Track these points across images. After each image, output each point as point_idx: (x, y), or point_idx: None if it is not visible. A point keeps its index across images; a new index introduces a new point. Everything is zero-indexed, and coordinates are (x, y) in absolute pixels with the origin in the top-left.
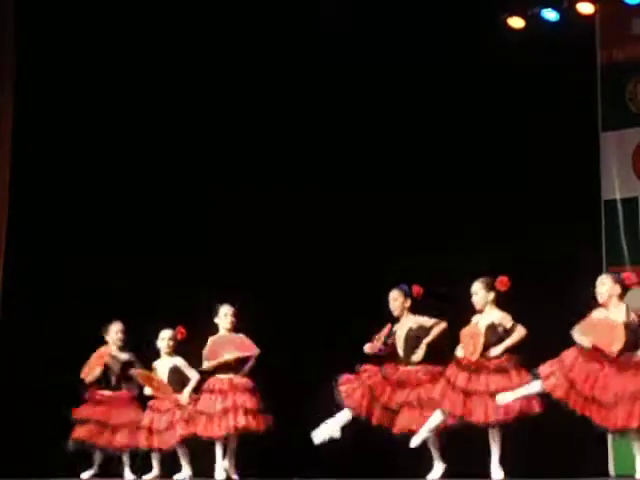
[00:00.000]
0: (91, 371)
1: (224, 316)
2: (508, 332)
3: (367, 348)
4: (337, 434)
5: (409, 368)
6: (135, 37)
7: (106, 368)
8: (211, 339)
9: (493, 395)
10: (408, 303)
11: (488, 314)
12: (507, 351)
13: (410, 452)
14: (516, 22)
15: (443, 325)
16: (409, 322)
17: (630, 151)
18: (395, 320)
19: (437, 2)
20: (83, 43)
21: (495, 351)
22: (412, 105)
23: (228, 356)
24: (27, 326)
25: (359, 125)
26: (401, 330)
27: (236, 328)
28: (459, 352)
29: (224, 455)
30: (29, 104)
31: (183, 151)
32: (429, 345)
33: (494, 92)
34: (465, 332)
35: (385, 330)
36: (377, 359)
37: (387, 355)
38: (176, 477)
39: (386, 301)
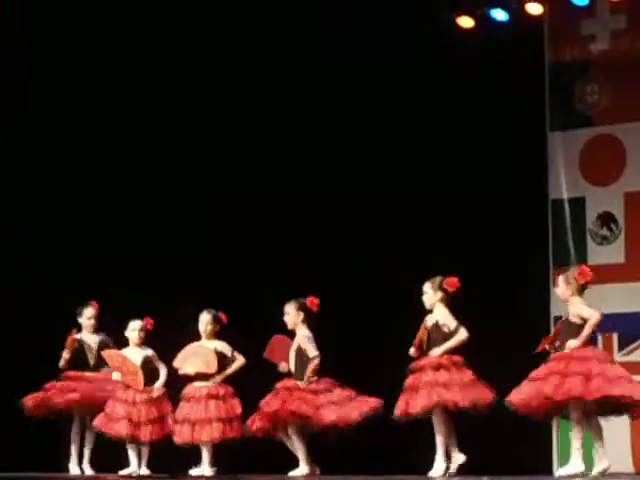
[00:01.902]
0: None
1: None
2: (452, 333)
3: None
4: None
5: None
6: (134, 36)
7: (80, 350)
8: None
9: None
10: (301, 316)
11: (435, 313)
12: (448, 352)
13: None
14: (465, 22)
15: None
16: (297, 339)
17: (577, 151)
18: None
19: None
20: (82, 41)
21: (435, 352)
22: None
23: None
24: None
25: (358, 125)
26: (295, 344)
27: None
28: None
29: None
30: (28, 104)
31: (183, 151)
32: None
33: (442, 92)
34: (419, 333)
35: None
36: None
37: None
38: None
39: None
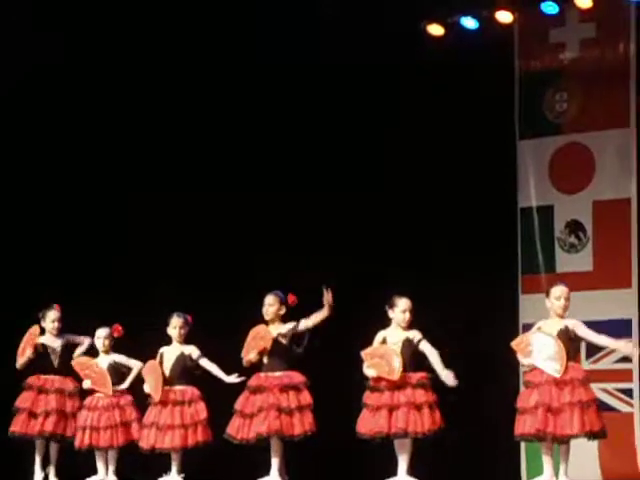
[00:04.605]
0: (22, 354)
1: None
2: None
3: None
4: None
5: (271, 374)
6: (113, 36)
7: (44, 353)
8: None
9: (418, 407)
10: (283, 311)
11: (405, 331)
12: (426, 369)
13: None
14: (436, 29)
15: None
16: (279, 329)
17: (546, 159)
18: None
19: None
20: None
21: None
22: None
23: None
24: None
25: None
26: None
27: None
28: (369, 372)
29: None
30: None
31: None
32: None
33: (411, 99)
34: (372, 352)
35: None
36: None
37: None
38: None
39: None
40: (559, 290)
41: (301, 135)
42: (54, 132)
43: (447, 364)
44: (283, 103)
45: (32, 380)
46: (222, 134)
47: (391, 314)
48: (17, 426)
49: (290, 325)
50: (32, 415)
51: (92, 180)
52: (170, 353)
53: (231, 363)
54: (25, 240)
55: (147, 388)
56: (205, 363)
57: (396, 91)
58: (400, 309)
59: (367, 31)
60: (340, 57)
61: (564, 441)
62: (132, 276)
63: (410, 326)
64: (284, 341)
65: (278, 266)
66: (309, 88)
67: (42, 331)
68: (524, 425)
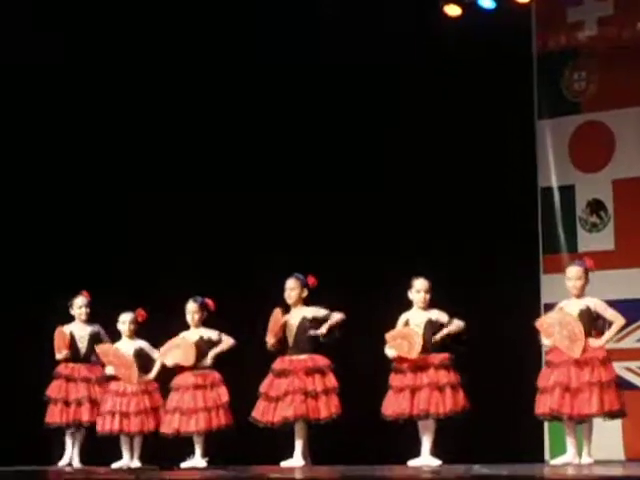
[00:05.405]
0: (59, 351)
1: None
2: (445, 327)
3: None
4: None
5: (295, 358)
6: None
7: (71, 342)
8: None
9: (440, 389)
10: (305, 293)
11: (426, 312)
12: (448, 349)
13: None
14: (453, 10)
15: (339, 316)
16: (303, 312)
17: (566, 139)
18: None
19: None
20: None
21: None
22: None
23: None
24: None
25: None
26: (294, 320)
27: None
28: (389, 352)
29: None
30: None
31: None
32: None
33: (429, 80)
34: (395, 334)
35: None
36: None
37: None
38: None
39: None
40: (571, 270)
41: (301, 135)
42: (54, 132)
43: (470, 343)
44: (283, 103)
45: (61, 369)
46: (222, 134)
47: (410, 296)
48: (52, 417)
49: (321, 312)
50: (64, 404)
51: (92, 180)
52: (190, 338)
53: (232, 362)
54: (26, 240)
55: (171, 360)
56: (226, 339)
57: (413, 72)
58: (415, 289)
59: (367, 30)
60: (340, 57)
61: (584, 421)
62: (132, 276)
63: (431, 306)
64: (309, 325)
65: (278, 266)
66: (309, 88)
67: (72, 318)
68: (544, 405)
